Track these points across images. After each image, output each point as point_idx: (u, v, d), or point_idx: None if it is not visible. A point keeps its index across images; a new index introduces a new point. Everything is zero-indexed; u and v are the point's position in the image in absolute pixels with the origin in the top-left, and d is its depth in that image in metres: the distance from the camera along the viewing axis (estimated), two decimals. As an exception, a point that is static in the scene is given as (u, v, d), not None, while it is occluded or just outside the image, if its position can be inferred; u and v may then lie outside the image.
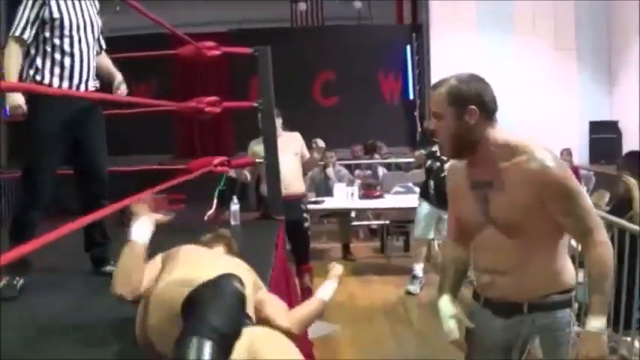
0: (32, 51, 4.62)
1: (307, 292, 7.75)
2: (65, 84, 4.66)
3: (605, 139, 14.64)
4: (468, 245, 3.53)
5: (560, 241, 3.24)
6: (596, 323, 3.09)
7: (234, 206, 6.94)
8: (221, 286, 2.91)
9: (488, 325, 3.39)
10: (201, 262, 3.47)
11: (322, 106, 16.28)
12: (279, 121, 7.65)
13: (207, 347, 2.67)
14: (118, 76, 5.15)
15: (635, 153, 6.52)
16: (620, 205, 6.24)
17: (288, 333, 3.30)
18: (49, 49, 4.61)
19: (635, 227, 5.59)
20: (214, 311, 2.80)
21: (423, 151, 9.02)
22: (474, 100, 3.12)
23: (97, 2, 4.93)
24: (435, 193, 8.64)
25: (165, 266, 3.48)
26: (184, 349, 2.67)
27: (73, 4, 4.69)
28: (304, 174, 8.48)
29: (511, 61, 14.20)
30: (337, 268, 4.17)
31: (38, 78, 4.58)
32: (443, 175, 8.42)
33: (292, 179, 7.89)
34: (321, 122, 14.91)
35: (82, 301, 4.29)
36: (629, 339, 5.87)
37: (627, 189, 6.05)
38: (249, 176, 8.27)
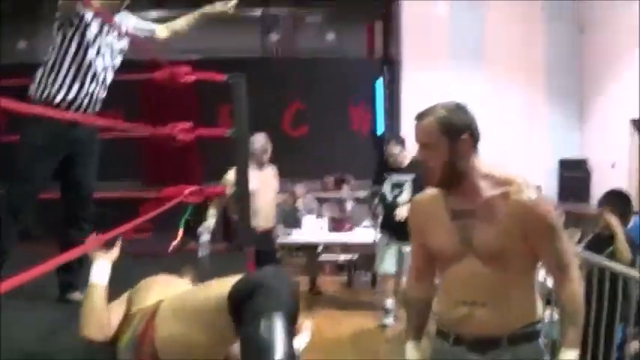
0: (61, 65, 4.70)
1: None
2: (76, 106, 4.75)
3: (574, 177, 14.68)
4: (432, 282, 3.58)
5: (534, 273, 3.35)
6: (571, 355, 3.18)
7: (205, 237, 6.85)
8: (279, 272, 3.08)
9: None
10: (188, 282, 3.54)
11: (291, 136, 16.21)
12: (267, 155, 7.78)
13: (280, 323, 2.85)
14: None
15: (615, 192, 6.52)
16: (597, 242, 6.21)
17: None
18: (80, 71, 4.71)
19: (616, 266, 5.55)
20: (283, 289, 2.95)
21: (369, 192, 9.12)
22: (466, 130, 3.12)
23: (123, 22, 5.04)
24: (391, 226, 8.64)
25: (138, 297, 3.47)
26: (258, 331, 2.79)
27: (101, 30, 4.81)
28: None
29: (482, 97, 14.15)
30: (307, 325, 4.14)
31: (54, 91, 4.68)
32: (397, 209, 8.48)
33: (270, 213, 8.19)
34: (290, 153, 14.84)
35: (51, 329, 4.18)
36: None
37: (607, 225, 6.05)
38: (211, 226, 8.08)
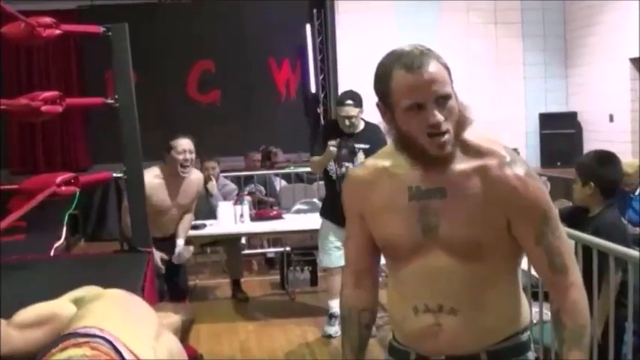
0: None
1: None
2: None
3: (560, 135, 14.72)
4: (376, 286, 3.38)
5: (519, 266, 3.14)
6: None
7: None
8: None
9: None
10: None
11: (200, 103, 15.99)
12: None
13: None
14: None
15: (595, 155, 6.21)
16: (576, 216, 6.01)
17: None
18: None
19: (607, 244, 5.34)
20: None
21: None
22: None
23: None
24: (336, 208, 8.43)
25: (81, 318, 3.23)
26: None
27: None
28: None
29: (438, 39, 14.03)
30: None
31: None
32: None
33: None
34: (199, 123, 14.63)
35: None
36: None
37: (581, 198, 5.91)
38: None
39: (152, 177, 7.78)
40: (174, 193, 7.99)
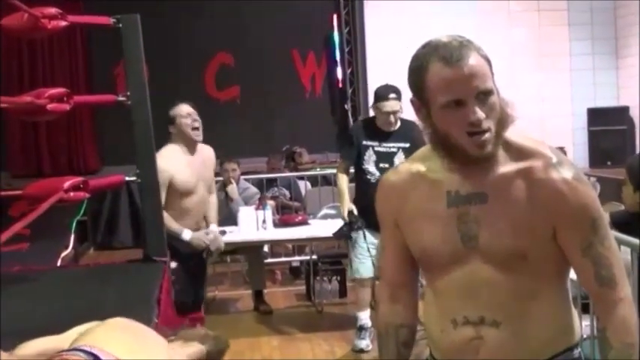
0: None
1: None
2: None
3: (610, 132, 14.61)
4: (414, 300, 3.33)
5: (567, 275, 3.05)
6: None
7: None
8: None
9: None
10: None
11: (218, 100, 15.99)
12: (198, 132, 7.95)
13: None
14: None
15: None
16: (630, 221, 5.92)
17: None
18: None
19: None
20: None
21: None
22: None
23: None
24: (369, 213, 8.39)
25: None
26: None
27: None
28: None
29: (475, 29, 13.96)
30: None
31: None
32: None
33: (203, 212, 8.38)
34: (217, 122, 14.61)
35: None
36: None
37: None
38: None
39: (171, 154, 7.78)
40: (196, 168, 7.90)
